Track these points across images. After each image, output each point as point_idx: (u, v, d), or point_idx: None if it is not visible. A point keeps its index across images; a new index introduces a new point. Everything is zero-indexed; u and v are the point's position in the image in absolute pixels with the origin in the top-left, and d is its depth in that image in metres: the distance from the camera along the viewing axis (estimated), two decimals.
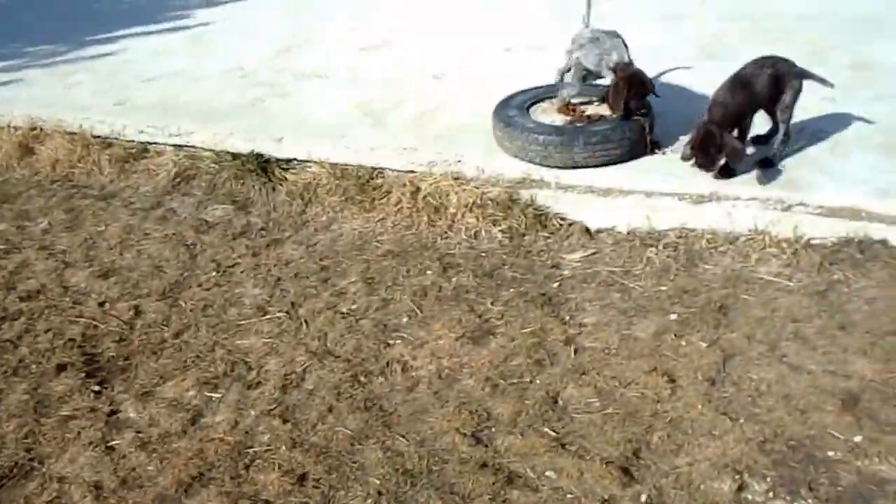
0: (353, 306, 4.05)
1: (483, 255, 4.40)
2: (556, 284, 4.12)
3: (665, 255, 4.20)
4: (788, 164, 4.46)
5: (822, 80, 4.42)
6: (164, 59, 6.86)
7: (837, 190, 4.19)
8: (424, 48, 6.60)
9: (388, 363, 3.59)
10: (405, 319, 3.91)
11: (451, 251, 4.45)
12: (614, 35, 4.66)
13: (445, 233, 4.60)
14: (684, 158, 4.48)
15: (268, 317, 3.99)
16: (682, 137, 4.63)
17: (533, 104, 4.95)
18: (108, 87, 6.33)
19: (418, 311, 3.96)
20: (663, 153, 4.63)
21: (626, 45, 4.62)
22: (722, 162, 4.31)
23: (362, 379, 3.51)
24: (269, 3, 8.30)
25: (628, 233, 4.42)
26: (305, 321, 3.94)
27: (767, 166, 4.39)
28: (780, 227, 4.13)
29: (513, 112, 4.76)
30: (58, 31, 7.87)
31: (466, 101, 5.33)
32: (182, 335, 3.85)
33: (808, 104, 4.92)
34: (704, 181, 4.37)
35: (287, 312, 4.01)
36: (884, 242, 3.94)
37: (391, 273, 4.29)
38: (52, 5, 9.01)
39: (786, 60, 4.32)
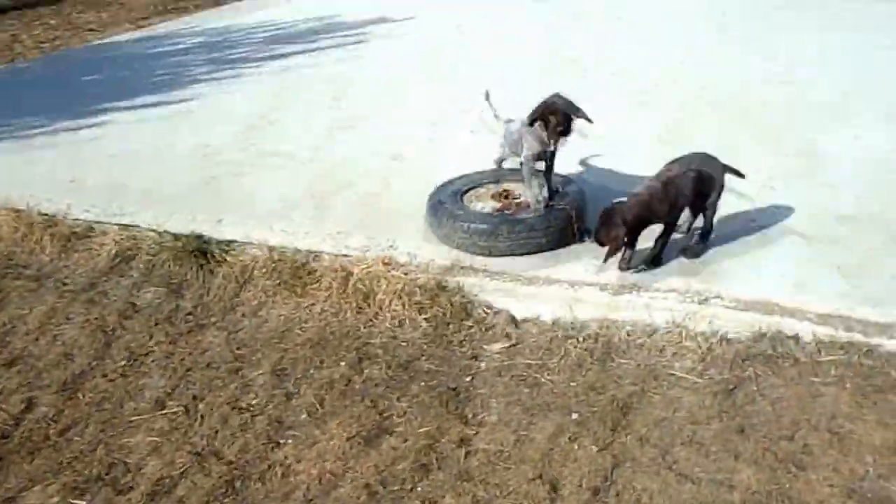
0: (255, 400, 3.96)
1: (403, 344, 4.30)
2: (469, 378, 4.00)
3: (584, 347, 4.08)
4: (711, 254, 4.37)
5: (737, 173, 4.30)
6: (133, 135, 6.92)
7: (755, 282, 4.09)
8: (391, 128, 6.60)
9: (270, 466, 3.49)
10: (303, 416, 3.81)
11: (373, 340, 4.35)
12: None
13: (371, 321, 4.49)
14: (624, 268, 4.35)
15: (164, 411, 3.91)
16: None
17: (470, 190, 4.86)
18: (67, 163, 6.38)
19: (319, 407, 3.85)
20: (590, 240, 4.48)
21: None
22: (625, 254, 4.23)
23: (238, 485, 3.41)
24: (248, 81, 8.37)
25: (552, 323, 4.31)
26: (201, 416, 3.85)
27: (690, 257, 4.25)
28: (697, 320, 4.00)
29: (445, 198, 4.70)
30: (40, 105, 8.00)
31: (414, 185, 5.28)
32: (68, 432, 3.77)
33: (750, 190, 4.82)
34: (627, 271, 4.23)
35: (185, 407, 3.93)
36: (796, 338, 3.82)
37: (304, 364, 4.20)
38: (45, 79, 9.18)
39: (712, 159, 4.22)
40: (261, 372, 4.17)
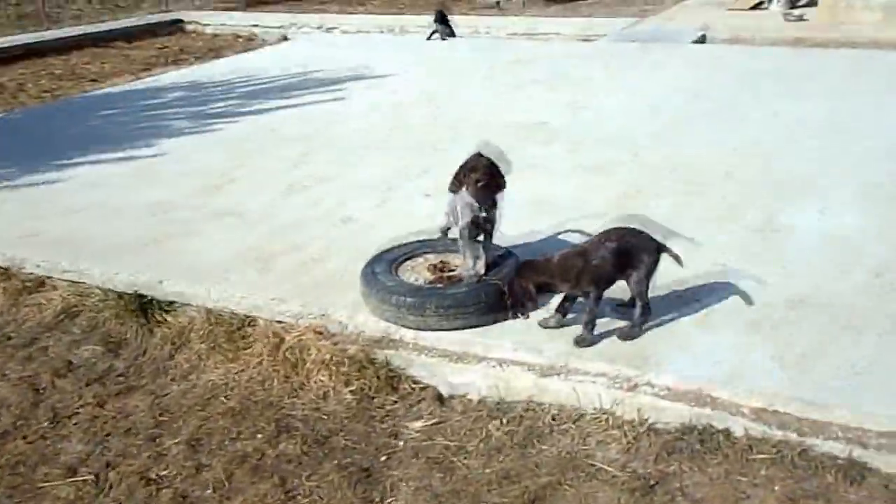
0: (165, 471, 3.84)
1: (324, 418, 4.18)
2: (385, 458, 3.88)
3: (506, 430, 3.94)
4: (647, 337, 4.20)
5: (676, 258, 4.16)
6: (96, 190, 6.88)
7: (690, 370, 3.93)
8: (348, 190, 6.53)
9: None
10: (209, 491, 3.69)
11: (294, 412, 4.23)
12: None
13: (296, 391, 4.39)
14: (543, 325, 4.21)
15: (74, 478, 3.81)
16: (550, 301, 4.39)
17: (408, 259, 4.73)
18: (27, 216, 6.35)
19: (226, 483, 3.73)
20: (526, 317, 4.34)
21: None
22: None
23: None
24: (221, 136, 8.39)
25: (479, 402, 4.19)
26: (110, 486, 3.76)
27: (623, 339, 4.11)
28: (625, 407, 3.85)
29: (379, 267, 4.58)
30: (10, 155, 8.03)
31: (359, 250, 5.17)
32: None
33: (699, 267, 4.71)
34: (557, 351, 4.13)
35: (96, 475, 3.83)
36: (727, 433, 3.67)
37: (221, 435, 4.08)
38: (24, 128, 9.24)
39: (639, 234, 4.08)
40: (177, 441, 4.08)
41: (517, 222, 5.47)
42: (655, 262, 4.09)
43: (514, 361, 4.16)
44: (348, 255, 5.12)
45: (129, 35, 17.55)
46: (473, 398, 4.21)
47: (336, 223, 5.82)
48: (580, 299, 4.17)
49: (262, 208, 6.21)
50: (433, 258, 4.80)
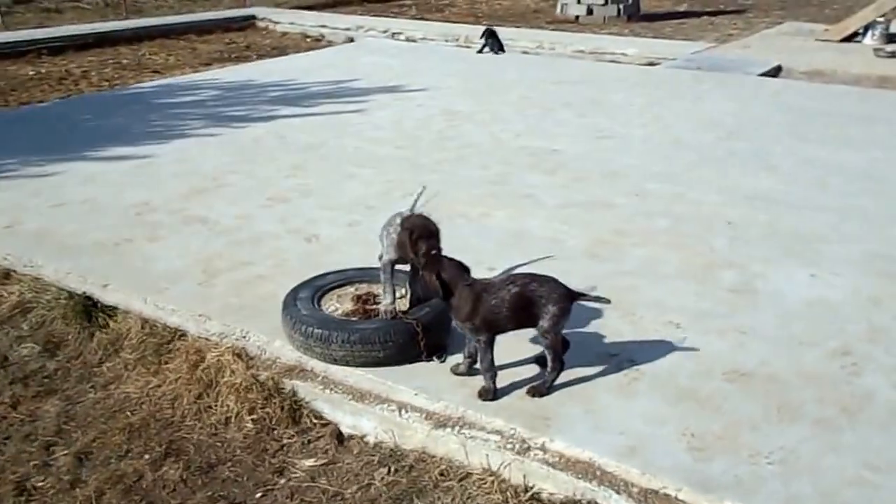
0: (42, 483, 3.89)
1: (219, 445, 4.16)
2: (260, 495, 3.84)
3: (391, 480, 3.86)
4: (559, 395, 4.07)
5: (598, 299, 4.08)
6: (89, 186, 7.04)
7: (588, 438, 3.75)
8: (324, 207, 6.48)
9: None
10: None
11: (191, 435, 4.22)
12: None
13: (202, 413, 4.39)
14: (454, 371, 4.08)
15: None
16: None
17: (339, 287, 4.65)
18: (14, 208, 6.53)
19: (94, 503, 3.67)
20: (442, 360, 4.22)
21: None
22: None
23: None
24: (229, 139, 8.51)
25: (375, 446, 4.10)
26: None
27: (531, 394, 3.95)
28: (513, 470, 3.70)
29: (304, 293, 4.51)
30: (23, 146, 8.28)
31: (305, 271, 5.10)
32: None
33: (648, 327, 4.59)
34: (457, 401, 4.00)
35: None
36: None
37: (111, 451, 4.12)
38: (53, 120, 9.51)
39: (547, 281, 3.90)
40: (67, 452, 4.13)
41: (480, 252, 5.41)
42: (564, 312, 3.88)
43: (414, 407, 4.05)
44: (294, 277, 5.05)
45: (202, 29, 17.93)
46: (371, 441, 4.12)
47: (299, 241, 5.78)
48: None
49: (234, 218, 6.22)
50: (365, 288, 4.67)
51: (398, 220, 4.41)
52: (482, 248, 5.60)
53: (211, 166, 7.47)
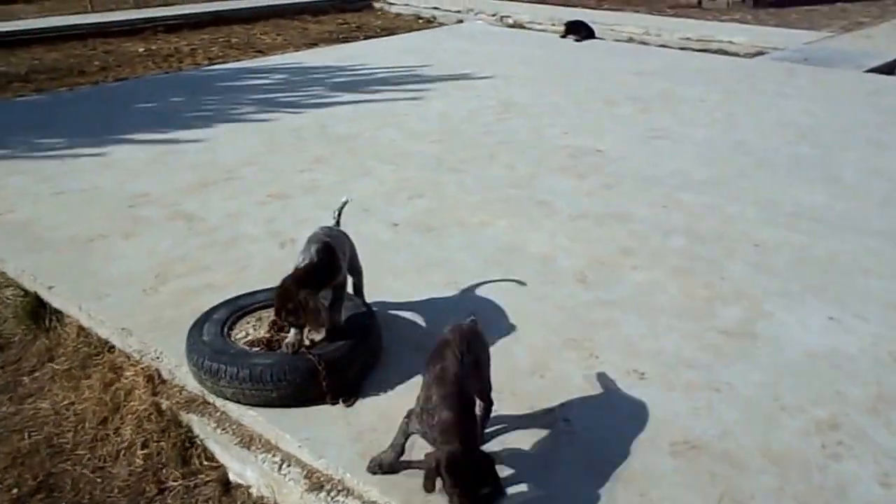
0: None
1: (99, 482, 3.76)
2: None
3: None
4: None
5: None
6: (101, 173, 6.72)
7: None
8: (321, 207, 5.72)
9: None
10: None
11: (76, 468, 3.82)
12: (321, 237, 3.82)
13: (98, 441, 3.91)
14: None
15: None
16: (396, 389, 3.70)
17: (262, 308, 4.03)
18: (18, 192, 6.29)
19: None
20: (348, 405, 3.54)
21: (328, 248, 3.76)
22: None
23: None
24: (266, 127, 8.03)
25: (256, 501, 3.46)
26: None
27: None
28: None
29: (218, 315, 3.90)
30: (70, 127, 8.05)
31: (260, 281, 4.54)
32: None
33: (607, 370, 3.90)
34: (342, 462, 3.33)
35: None
36: None
37: None
38: (109, 100, 9.34)
39: (473, 333, 3.15)
40: None
41: (456, 269, 4.86)
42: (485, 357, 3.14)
43: (297, 461, 3.44)
44: (245, 287, 4.49)
45: (317, 9, 17.58)
46: (254, 493, 3.47)
47: (273, 246, 5.20)
48: None
49: (223, 216, 5.73)
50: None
51: (314, 244, 3.73)
52: (461, 265, 4.90)
53: (233, 157, 6.98)
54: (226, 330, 3.87)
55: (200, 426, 3.73)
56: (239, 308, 4.05)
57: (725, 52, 12.59)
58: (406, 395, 3.66)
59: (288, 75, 10.37)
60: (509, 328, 4.26)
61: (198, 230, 5.51)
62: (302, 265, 3.67)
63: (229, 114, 8.43)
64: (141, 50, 13.65)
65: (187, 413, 3.79)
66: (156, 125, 8.01)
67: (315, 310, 3.50)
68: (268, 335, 3.83)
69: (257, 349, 3.73)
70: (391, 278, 4.77)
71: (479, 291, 4.63)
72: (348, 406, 3.62)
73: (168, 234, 5.43)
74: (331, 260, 3.78)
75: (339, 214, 4.14)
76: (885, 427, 3.49)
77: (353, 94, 9.23)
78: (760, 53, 12.36)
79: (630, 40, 13.44)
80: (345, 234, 4.11)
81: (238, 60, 11.93)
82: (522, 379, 3.80)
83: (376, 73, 10.42)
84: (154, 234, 5.45)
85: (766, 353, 4.06)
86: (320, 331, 3.67)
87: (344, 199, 4.22)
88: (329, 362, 3.58)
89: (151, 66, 12.44)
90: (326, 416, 3.57)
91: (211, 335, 3.77)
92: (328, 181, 6.41)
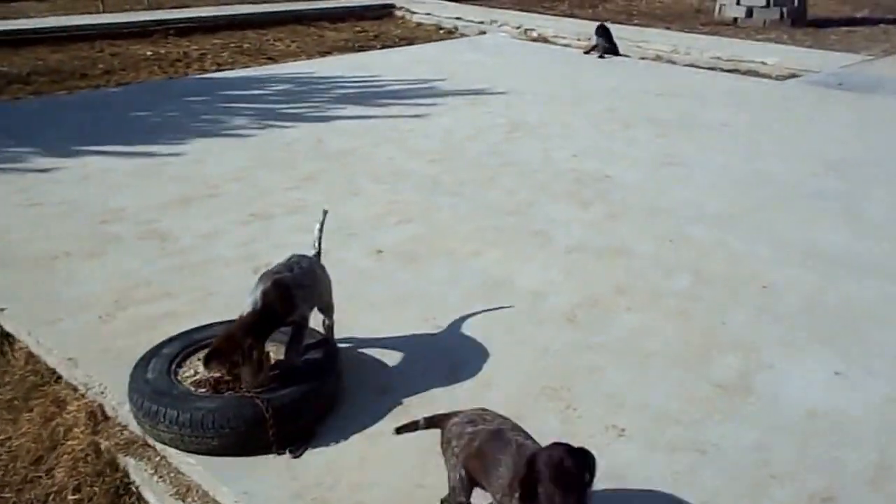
0: None
1: None
2: None
3: None
4: None
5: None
6: (80, 186, 6.62)
7: None
8: (300, 230, 5.49)
9: None
10: None
11: None
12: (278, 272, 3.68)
13: (28, 484, 3.73)
14: None
15: None
16: (350, 439, 3.50)
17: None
18: None
19: None
20: (296, 455, 3.34)
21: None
22: None
23: None
24: (258, 142, 7.91)
25: None
26: None
27: None
28: None
29: (168, 349, 3.73)
30: (52, 137, 7.92)
31: (225, 310, 4.28)
32: None
33: (583, 426, 3.69)
34: None
35: None
36: None
37: None
38: (100, 108, 9.22)
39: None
40: None
41: (437, 304, 4.68)
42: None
43: None
44: (207, 317, 4.31)
45: (335, 16, 17.51)
46: None
47: (246, 271, 5.01)
48: None
49: (198, 236, 5.62)
50: None
51: (263, 283, 3.56)
52: (442, 299, 4.73)
53: (219, 171, 6.86)
54: (174, 367, 3.68)
55: (137, 471, 3.56)
56: (192, 343, 3.87)
57: (756, 74, 12.31)
58: (360, 446, 3.47)
59: (293, 85, 10.26)
60: (483, 372, 4.06)
61: (169, 251, 5.36)
62: (247, 312, 3.48)
63: (224, 125, 8.32)
64: (148, 53, 13.61)
65: (125, 456, 3.63)
66: (145, 135, 7.92)
67: (254, 365, 3.33)
68: (217, 374, 3.62)
69: (203, 390, 3.52)
70: (365, 312, 4.58)
71: (457, 329, 4.43)
72: (295, 457, 3.43)
73: (137, 255, 5.29)
74: (283, 300, 3.58)
75: (320, 237, 4.01)
76: (885, 502, 3.22)
77: (358, 106, 9.09)
78: (794, 76, 12.06)
79: (657, 58, 13.19)
80: (315, 266, 3.93)
81: (247, 67, 11.85)
82: None
83: (386, 85, 10.28)
84: (122, 253, 5.31)
85: (760, 410, 3.82)
86: (253, 387, 3.47)
87: (324, 211, 4.11)
88: (278, 408, 3.39)
89: (157, 70, 12.39)
90: (271, 468, 3.40)
91: (156, 373, 3.59)
92: (315, 201, 6.25)
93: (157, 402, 3.42)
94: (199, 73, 11.57)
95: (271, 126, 8.32)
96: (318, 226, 4.06)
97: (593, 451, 2.53)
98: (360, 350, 4.21)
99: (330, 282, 4.04)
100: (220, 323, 4.00)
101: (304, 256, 3.88)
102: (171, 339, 3.90)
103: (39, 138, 7.82)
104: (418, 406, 3.71)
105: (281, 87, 10.21)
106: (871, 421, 3.75)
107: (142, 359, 3.75)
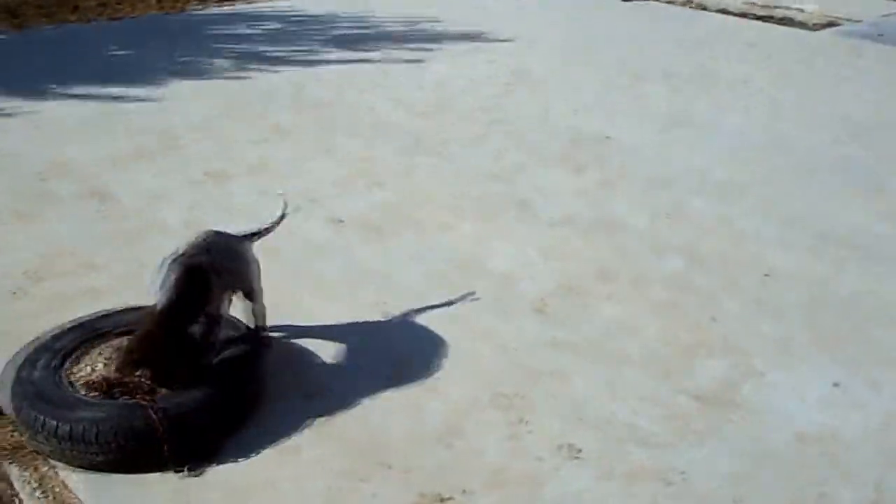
0: None
1: None
2: None
3: None
4: None
5: None
6: (27, 135, 6.22)
7: None
8: (259, 192, 5.21)
9: None
10: None
11: None
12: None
13: None
14: None
15: None
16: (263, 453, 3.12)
17: (127, 333, 3.40)
18: None
19: None
20: (195, 474, 2.95)
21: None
22: None
23: None
24: (231, 90, 7.39)
25: None
26: None
27: None
28: None
29: (65, 340, 3.32)
30: (21, 78, 7.51)
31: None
32: None
33: (531, 446, 3.31)
34: None
35: None
36: None
37: None
38: (63, 47, 8.73)
39: None
40: None
41: (390, 285, 4.33)
42: None
43: None
44: (131, 297, 3.86)
45: None
46: None
47: (184, 241, 4.52)
48: None
49: (143, 197, 5.22)
50: None
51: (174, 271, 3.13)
52: (400, 281, 4.33)
53: (183, 121, 6.43)
54: (66, 364, 3.25)
55: (21, 483, 3.16)
56: (94, 332, 3.44)
57: (791, 21, 11.56)
58: (272, 463, 3.06)
59: (283, 24, 9.73)
60: (430, 373, 3.63)
61: (106, 213, 4.96)
62: (162, 304, 3.05)
63: (200, 68, 7.85)
64: None
65: (10, 463, 3.23)
66: (113, 78, 7.47)
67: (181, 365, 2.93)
68: (117, 375, 3.20)
69: (94, 394, 3.11)
70: (310, 294, 4.17)
71: (410, 319, 4.00)
72: (195, 476, 3.01)
73: (70, 217, 4.89)
74: (200, 286, 3.15)
75: (281, 218, 3.73)
76: None
77: (347, 50, 8.58)
78: (831, 25, 11.33)
79: (687, 2, 12.45)
80: (236, 244, 3.49)
81: (249, 3, 11.26)
82: (422, 447, 3.15)
83: (381, 25, 9.72)
84: (54, 215, 4.92)
85: (742, 431, 3.38)
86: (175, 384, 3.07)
87: (281, 194, 3.84)
88: (176, 419, 2.97)
89: (154, 4, 11.84)
90: (163, 487, 2.99)
91: (41, 371, 3.17)
92: (281, 157, 5.82)
93: (37, 409, 3.01)
94: (199, 8, 11.01)
95: (251, 70, 7.85)
96: (278, 214, 3.71)
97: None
98: (293, 341, 3.79)
99: (258, 263, 3.60)
100: (133, 309, 3.57)
101: (217, 234, 3.44)
102: (70, 328, 3.48)
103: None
104: (343, 418, 3.29)
105: (272, 25, 9.69)
106: (867, 447, 3.31)
107: (32, 352, 3.33)
